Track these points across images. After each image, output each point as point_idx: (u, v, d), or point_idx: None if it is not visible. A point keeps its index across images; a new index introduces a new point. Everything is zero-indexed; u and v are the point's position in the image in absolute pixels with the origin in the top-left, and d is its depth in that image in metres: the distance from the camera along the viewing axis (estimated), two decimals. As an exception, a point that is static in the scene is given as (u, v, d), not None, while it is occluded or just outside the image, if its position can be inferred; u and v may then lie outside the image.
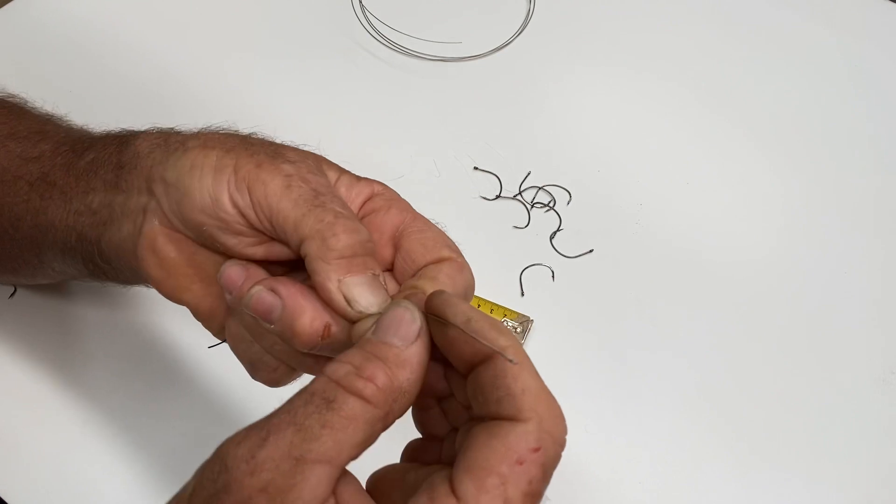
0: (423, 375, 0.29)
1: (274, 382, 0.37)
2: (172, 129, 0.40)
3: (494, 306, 0.56)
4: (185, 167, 0.35)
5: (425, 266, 0.34)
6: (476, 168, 0.64)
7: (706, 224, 0.62)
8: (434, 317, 0.30)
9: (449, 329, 0.29)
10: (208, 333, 0.39)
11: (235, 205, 0.34)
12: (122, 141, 0.40)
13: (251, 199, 0.34)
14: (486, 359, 0.28)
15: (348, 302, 0.32)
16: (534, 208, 0.62)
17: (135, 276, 0.40)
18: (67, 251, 0.42)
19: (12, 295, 0.56)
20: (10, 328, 0.54)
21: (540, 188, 0.63)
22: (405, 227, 0.35)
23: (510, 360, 0.27)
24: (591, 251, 0.60)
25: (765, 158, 0.66)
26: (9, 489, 0.49)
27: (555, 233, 0.61)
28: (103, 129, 0.44)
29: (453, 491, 0.26)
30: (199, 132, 0.38)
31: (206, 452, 0.28)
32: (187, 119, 0.39)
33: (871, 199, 0.64)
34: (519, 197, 0.63)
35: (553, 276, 0.59)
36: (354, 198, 0.37)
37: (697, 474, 0.51)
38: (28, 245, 0.45)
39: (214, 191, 0.34)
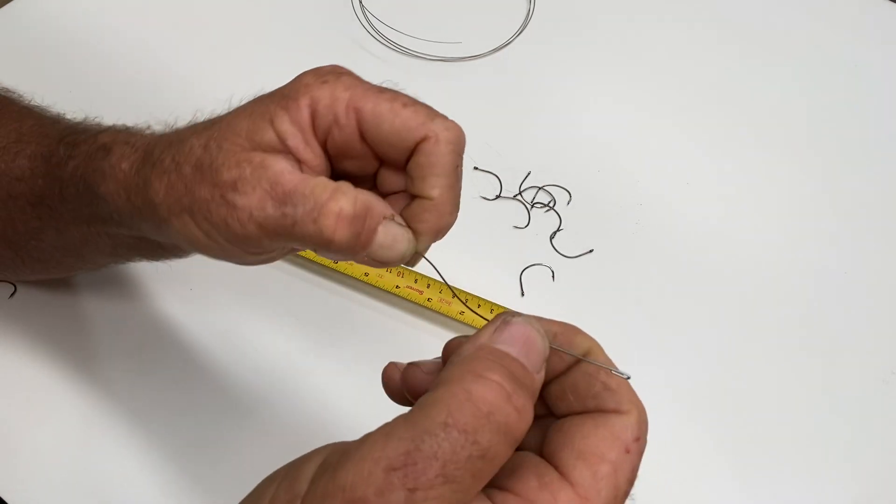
0: None
1: None
2: (110, 159, 0.38)
3: (494, 306, 0.56)
4: (185, 241, 0.35)
5: (408, 162, 0.34)
6: (476, 168, 0.64)
7: (706, 224, 0.62)
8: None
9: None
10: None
11: (252, 252, 0.35)
12: (89, 188, 0.39)
13: (254, 247, 0.34)
14: (568, 367, 0.29)
15: (385, 264, 0.33)
16: (534, 208, 0.62)
17: None
18: (119, 252, 0.43)
19: (12, 295, 0.56)
20: (11, 328, 0.54)
21: (540, 188, 0.63)
22: (363, 130, 0.34)
23: (624, 376, 0.29)
24: (591, 251, 0.60)
25: (765, 158, 0.66)
26: (9, 489, 0.49)
27: (555, 233, 0.61)
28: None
29: (563, 476, 0.26)
30: (145, 188, 0.36)
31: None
32: (187, 119, 0.39)
33: (871, 199, 0.64)
34: (519, 197, 0.63)
35: (553, 276, 0.59)
36: (305, 136, 0.34)
37: (698, 474, 0.51)
38: (60, 251, 0.45)
39: (226, 250, 0.35)
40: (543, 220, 0.62)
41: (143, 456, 0.50)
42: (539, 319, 0.29)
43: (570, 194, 0.63)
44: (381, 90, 0.34)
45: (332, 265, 0.57)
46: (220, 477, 0.50)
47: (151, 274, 0.57)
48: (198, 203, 0.33)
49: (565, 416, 0.29)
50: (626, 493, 0.27)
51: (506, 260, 0.59)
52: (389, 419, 0.26)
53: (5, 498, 0.48)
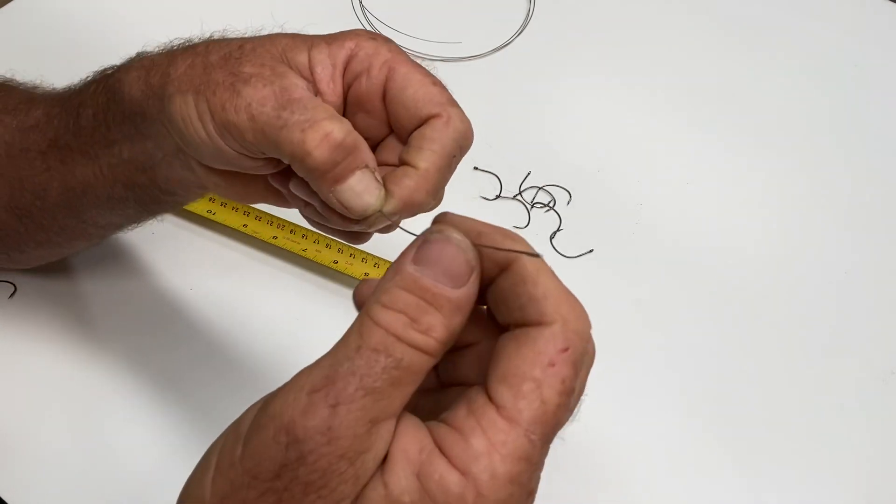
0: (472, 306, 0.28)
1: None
2: (143, 53, 0.40)
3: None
4: (178, 121, 0.36)
5: (412, 131, 0.35)
6: (476, 168, 0.64)
7: (706, 224, 0.62)
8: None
9: None
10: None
11: (233, 148, 0.36)
12: (110, 89, 0.40)
13: (236, 142, 0.35)
14: (503, 268, 0.28)
15: (346, 208, 0.34)
16: (534, 208, 0.62)
17: (202, 192, 0.44)
18: (116, 201, 0.44)
19: (12, 294, 0.56)
20: (11, 328, 0.54)
21: (540, 188, 0.63)
22: (388, 87, 0.35)
23: (537, 255, 0.27)
24: (591, 251, 0.60)
25: (765, 158, 0.66)
26: (9, 489, 0.49)
27: (555, 233, 0.61)
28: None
29: (491, 400, 0.26)
30: (168, 65, 0.37)
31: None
32: None
33: (872, 199, 0.65)
34: (519, 197, 0.63)
35: (553, 276, 0.59)
36: (334, 72, 0.36)
37: (697, 474, 0.51)
38: (63, 209, 0.45)
39: (211, 141, 0.36)
40: (543, 220, 0.62)
41: (144, 456, 0.50)
42: (465, 221, 0.29)
43: (570, 194, 0.63)
44: (420, 65, 0.36)
45: (333, 265, 0.57)
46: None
47: (151, 275, 0.57)
48: (207, 84, 0.35)
49: (503, 332, 0.28)
50: (561, 405, 0.26)
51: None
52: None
53: (5, 498, 0.48)
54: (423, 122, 0.35)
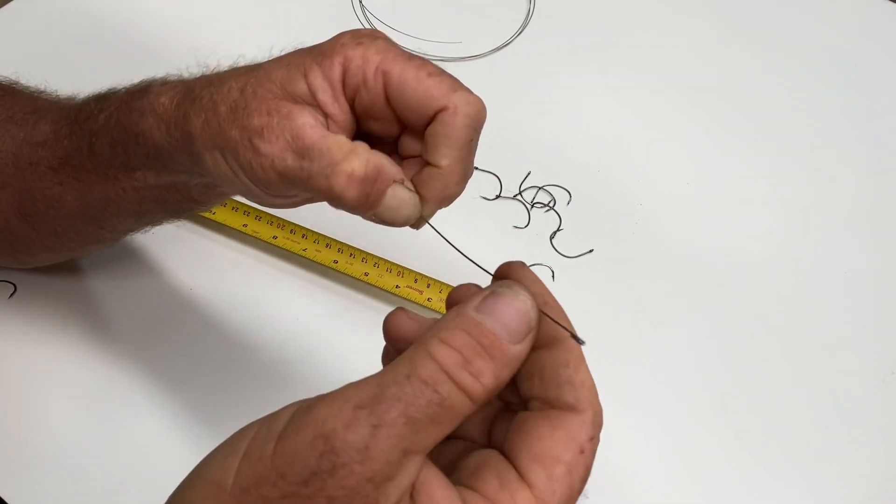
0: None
1: None
2: (148, 87, 0.40)
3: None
4: (215, 175, 0.37)
5: (425, 127, 0.35)
6: (476, 168, 0.64)
7: (706, 224, 0.62)
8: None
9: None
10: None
11: (272, 192, 0.37)
12: (125, 129, 0.40)
13: (273, 190, 0.36)
14: (551, 343, 0.30)
15: (390, 224, 0.35)
16: (534, 208, 0.62)
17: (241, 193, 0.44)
18: (143, 214, 0.44)
19: (12, 294, 0.56)
20: (11, 328, 0.54)
21: (540, 188, 0.63)
22: (388, 93, 0.35)
23: (582, 342, 0.30)
24: (591, 251, 0.60)
25: (765, 158, 0.66)
26: (9, 489, 0.49)
27: (555, 233, 0.61)
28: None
29: (522, 477, 0.28)
30: (184, 122, 0.37)
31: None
32: (226, 64, 0.39)
33: (871, 199, 0.65)
34: (519, 197, 0.63)
35: (553, 276, 0.59)
36: (335, 92, 0.36)
37: (697, 473, 0.51)
38: (79, 218, 0.46)
39: (250, 189, 0.37)
40: (543, 220, 0.62)
41: (144, 455, 0.50)
42: (535, 284, 0.31)
43: (570, 194, 0.63)
44: (411, 57, 0.36)
45: (333, 265, 0.57)
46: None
47: (151, 275, 0.57)
48: (228, 143, 0.36)
49: (528, 402, 0.30)
50: (580, 490, 0.28)
51: (506, 260, 0.59)
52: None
53: (5, 498, 0.48)
54: (432, 117, 0.35)
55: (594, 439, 0.29)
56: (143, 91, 0.40)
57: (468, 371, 0.27)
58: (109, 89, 0.44)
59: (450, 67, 0.71)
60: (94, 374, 0.53)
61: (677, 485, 0.51)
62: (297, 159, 0.34)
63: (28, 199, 0.45)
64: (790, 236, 0.62)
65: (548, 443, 0.28)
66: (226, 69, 0.39)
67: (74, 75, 0.50)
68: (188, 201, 0.44)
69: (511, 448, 0.29)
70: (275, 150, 0.35)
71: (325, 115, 0.36)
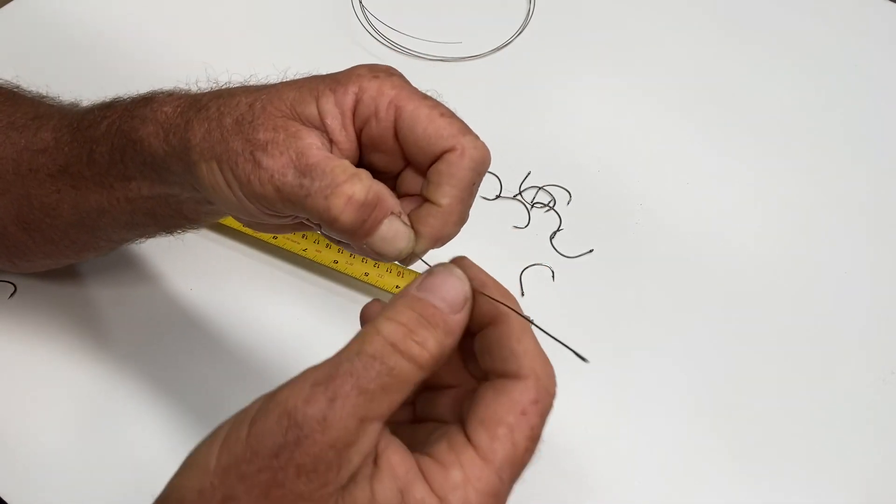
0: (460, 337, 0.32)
1: None
2: (151, 98, 0.40)
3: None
4: (207, 187, 0.37)
5: (429, 166, 0.36)
6: (476, 168, 0.64)
7: (706, 224, 0.62)
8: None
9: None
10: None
11: (263, 211, 0.37)
12: (125, 136, 0.40)
13: (266, 208, 0.36)
14: (493, 321, 0.32)
15: (382, 257, 0.36)
16: (534, 208, 0.62)
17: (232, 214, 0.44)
18: (135, 225, 0.45)
19: (12, 295, 0.56)
20: (10, 328, 0.54)
21: (540, 188, 0.63)
22: (398, 126, 0.36)
23: (528, 318, 0.33)
24: (591, 251, 0.60)
25: (765, 158, 0.66)
26: (9, 489, 0.49)
27: (555, 233, 0.61)
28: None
29: (469, 440, 0.30)
30: (185, 129, 0.38)
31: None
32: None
33: (871, 199, 0.65)
34: (519, 197, 0.63)
35: (553, 276, 0.59)
36: (344, 119, 0.36)
37: (697, 474, 0.51)
38: (74, 227, 0.46)
39: (241, 204, 0.37)
40: (543, 220, 0.62)
41: (144, 455, 0.50)
42: (474, 269, 0.34)
43: (570, 194, 0.63)
44: (425, 97, 0.37)
45: (333, 265, 0.57)
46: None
47: (151, 275, 0.57)
48: (228, 153, 0.36)
49: (485, 377, 0.33)
50: (528, 449, 0.31)
51: (506, 260, 0.59)
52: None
53: (5, 498, 0.48)
54: (438, 156, 0.36)
55: (538, 402, 0.31)
56: (147, 100, 0.41)
57: (413, 340, 0.30)
58: (114, 98, 0.44)
59: (450, 67, 0.71)
60: (94, 374, 0.53)
61: (677, 485, 0.51)
62: (298, 177, 0.34)
63: (26, 207, 0.45)
64: (790, 236, 0.62)
65: (492, 407, 0.31)
66: (236, 86, 0.39)
67: (74, 77, 0.51)
68: (179, 217, 0.43)
69: (464, 418, 0.31)
70: (277, 164, 0.35)
71: (331, 142, 0.36)
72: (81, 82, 0.52)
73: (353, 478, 0.29)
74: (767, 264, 0.60)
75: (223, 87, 0.40)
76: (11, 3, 0.73)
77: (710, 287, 0.59)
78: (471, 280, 0.33)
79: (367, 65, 0.38)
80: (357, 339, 0.30)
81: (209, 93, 0.39)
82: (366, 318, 0.35)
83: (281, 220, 0.38)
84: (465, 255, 0.34)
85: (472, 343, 0.34)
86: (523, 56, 0.72)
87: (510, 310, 0.32)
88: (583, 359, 0.31)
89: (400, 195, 0.37)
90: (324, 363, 0.30)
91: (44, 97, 0.50)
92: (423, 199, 0.36)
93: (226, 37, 0.73)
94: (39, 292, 0.56)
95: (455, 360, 0.35)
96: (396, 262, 0.38)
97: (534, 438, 0.31)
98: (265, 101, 0.36)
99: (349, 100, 0.36)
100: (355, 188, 0.34)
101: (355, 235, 0.35)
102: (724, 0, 0.77)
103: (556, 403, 0.50)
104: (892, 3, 0.78)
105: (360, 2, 0.74)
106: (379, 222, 0.35)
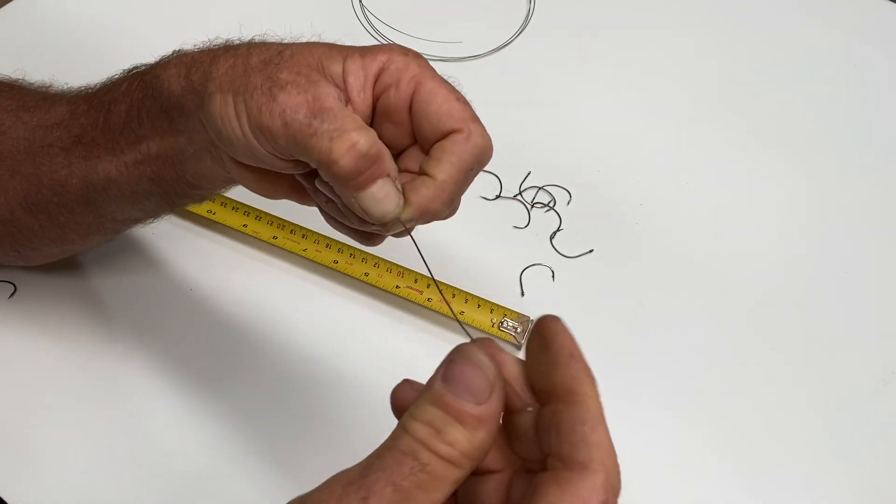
0: (499, 423, 0.30)
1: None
2: (180, 51, 0.41)
3: (494, 306, 0.56)
4: (216, 118, 0.38)
5: (434, 143, 0.37)
6: (476, 168, 0.64)
7: (706, 224, 0.62)
8: (539, 342, 0.31)
9: (548, 357, 0.30)
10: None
11: (265, 149, 0.37)
12: (147, 84, 0.42)
13: (269, 144, 0.37)
14: (571, 400, 0.30)
15: (366, 213, 0.36)
16: (534, 208, 0.62)
17: (230, 186, 0.46)
18: (139, 196, 0.45)
19: (12, 295, 0.56)
20: (10, 328, 0.54)
21: (540, 188, 0.63)
22: (414, 100, 0.38)
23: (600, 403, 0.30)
24: (591, 251, 0.60)
25: (765, 158, 0.66)
26: (9, 489, 0.49)
27: (555, 233, 0.61)
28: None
29: None
30: (210, 64, 0.39)
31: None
32: None
33: (871, 199, 0.65)
34: (519, 197, 0.63)
35: (553, 276, 0.59)
36: (365, 83, 0.38)
37: (698, 474, 0.51)
38: (81, 205, 0.46)
39: (246, 140, 0.37)
40: (543, 220, 0.62)
41: (144, 455, 0.50)
42: (561, 335, 0.31)
43: (570, 194, 0.63)
44: (446, 81, 0.38)
45: (333, 265, 0.57)
46: (225, 479, 0.50)
47: (151, 275, 0.57)
48: (246, 87, 0.37)
49: (546, 460, 0.30)
50: None
51: (506, 260, 0.59)
52: (386, 417, 0.29)
53: (5, 498, 0.48)
54: (445, 135, 0.37)
55: (606, 502, 0.28)
56: (172, 54, 0.42)
57: (441, 441, 0.28)
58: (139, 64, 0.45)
59: (450, 67, 0.71)
60: (94, 374, 0.53)
61: (677, 485, 0.51)
62: (309, 117, 0.35)
63: (35, 187, 0.46)
64: (790, 236, 0.62)
65: (567, 498, 0.28)
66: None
67: (77, 75, 0.50)
68: (181, 183, 0.44)
69: None
70: (291, 101, 0.36)
71: (348, 101, 0.37)
72: (84, 80, 0.52)
73: None
74: (767, 264, 0.60)
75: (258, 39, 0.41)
76: (14, 1, 0.73)
77: (709, 287, 0.59)
78: (560, 347, 0.30)
79: (400, 45, 0.39)
80: (389, 439, 0.29)
81: (245, 42, 0.40)
82: (395, 401, 0.33)
83: (283, 163, 0.38)
84: (556, 319, 0.32)
85: (518, 421, 0.31)
86: (523, 56, 0.72)
87: (587, 391, 0.30)
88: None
89: (400, 170, 0.38)
90: (356, 465, 0.29)
91: (49, 86, 0.51)
92: (421, 173, 0.37)
93: (226, 36, 0.72)
94: (39, 292, 0.56)
95: (499, 442, 0.32)
96: (378, 230, 0.38)
97: None
98: (295, 50, 0.38)
99: (375, 66, 0.38)
100: (361, 137, 0.35)
101: (348, 185, 0.36)
102: (724, 0, 0.77)
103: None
104: (892, 3, 0.78)
105: (360, 2, 0.74)
106: (374, 179, 0.36)
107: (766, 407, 0.54)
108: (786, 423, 0.53)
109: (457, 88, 0.38)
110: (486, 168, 0.62)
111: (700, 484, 0.51)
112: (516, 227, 0.61)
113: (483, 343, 0.31)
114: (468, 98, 0.39)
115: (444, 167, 0.37)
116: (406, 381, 0.34)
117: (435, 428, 0.28)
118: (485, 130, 0.38)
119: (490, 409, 0.29)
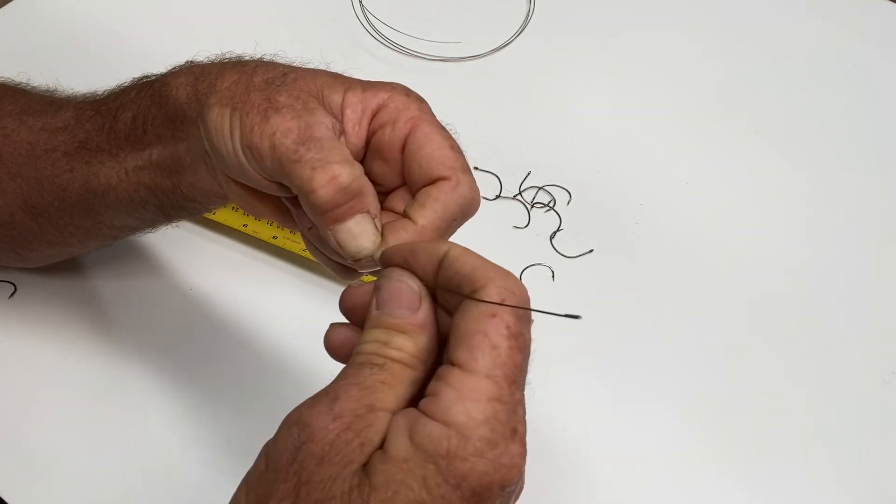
0: (436, 322, 0.33)
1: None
2: (192, 62, 0.42)
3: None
4: (211, 130, 0.38)
5: (422, 188, 0.37)
6: (476, 168, 0.64)
7: (706, 224, 0.62)
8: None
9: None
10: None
11: (252, 167, 0.37)
12: (156, 92, 0.42)
13: (256, 163, 0.37)
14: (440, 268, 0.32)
15: (339, 247, 0.36)
16: (534, 208, 0.62)
17: (222, 202, 0.46)
18: (136, 204, 0.45)
19: (12, 294, 0.56)
20: (10, 328, 0.55)
21: (540, 188, 0.63)
22: (408, 141, 0.37)
23: (460, 248, 0.32)
24: (591, 251, 0.60)
25: (765, 158, 0.66)
26: (9, 489, 0.49)
27: (555, 233, 0.61)
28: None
29: (452, 364, 0.30)
30: (217, 76, 0.39)
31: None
32: None
33: (871, 199, 0.65)
34: (519, 197, 0.63)
35: (553, 276, 0.59)
36: (362, 116, 0.38)
37: (698, 474, 0.51)
38: (81, 210, 0.46)
39: (235, 155, 0.37)
40: (543, 220, 0.62)
41: (144, 455, 0.50)
42: (398, 250, 0.33)
43: (570, 194, 0.63)
44: (443, 128, 0.38)
45: (332, 265, 0.57)
46: (225, 479, 0.50)
47: (151, 275, 0.57)
48: (245, 104, 0.37)
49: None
50: (512, 347, 0.30)
51: (506, 260, 0.58)
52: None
53: (5, 498, 0.48)
54: (434, 181, 0.37)
55: (504, 300, 0.30)
56: (181, 65, 0.42)
57: (391, 348, 0.31)
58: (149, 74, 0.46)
59: (450, 67, 0.71)
60: (94, 375, 0.53)
61: (676, 484, 0.51)
62: (297, 143, 0.36)
63: (36, 190, 0.46)
64: (790, 236, 0.62)
65: (461, 324, 0.30)
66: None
67: (80, 76, 0.51)
68: (177, 195, 0.44)
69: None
70: (282, 125, 0.36)
71: (342, 133, 0.38)
72: (87, 81, 0.52)
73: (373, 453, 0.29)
74: (767, 264, 0.60)
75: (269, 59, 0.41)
76: (14, 1, 0.73)
77: (709, 286, 0.59)
78: (409, 265, 0.33)
79: (404, 85, 0.39)
80: (344, 367, 0.32)
81: (255, 59, 0.41)
82: (345, 305, 0.36)
83: (268, 184, 0.38)
84: (385, 239, 0.36)
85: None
86: (523, 56, 0.72)
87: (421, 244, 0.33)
88: (574, 316, 0.31)
89: (385, 209, 0.38)
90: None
91: (54, 90, 0.51)
92: (403, 215, 0.37)
93: (226, 36, 0.72)
94: (39, 292, 0.56)
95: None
96: (352, 264, 0.38)
97: (514, 336, 0.30)
98: (299, 74, 0.38)
99: (375, 102, 0.38)
100: (344, 170, 0.35)
101: (325, 217, 0.36)
102: (724, 0, 0.77)
103: (556, 403, 0.50)
104: (892, 3, 0.78)
105: (360, 2, 0.74)
106: (352, 213, 0.36)
107: (766, 406, 0.54)
108: (786, 423, 0.53)
109: (453, 136, 0.38)
110: (485, 168, 0.64)
111: (699, 482, 0.51)
112: (516, 227, 0.61)
113: (392, 253, 0.34)
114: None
115: (426, 213, 0.37)
116: (334, 324, 0.36)
117: (382, 343, 0.31)
118: (474, 182, 0.38)
119: (424, 313, 0.32)
